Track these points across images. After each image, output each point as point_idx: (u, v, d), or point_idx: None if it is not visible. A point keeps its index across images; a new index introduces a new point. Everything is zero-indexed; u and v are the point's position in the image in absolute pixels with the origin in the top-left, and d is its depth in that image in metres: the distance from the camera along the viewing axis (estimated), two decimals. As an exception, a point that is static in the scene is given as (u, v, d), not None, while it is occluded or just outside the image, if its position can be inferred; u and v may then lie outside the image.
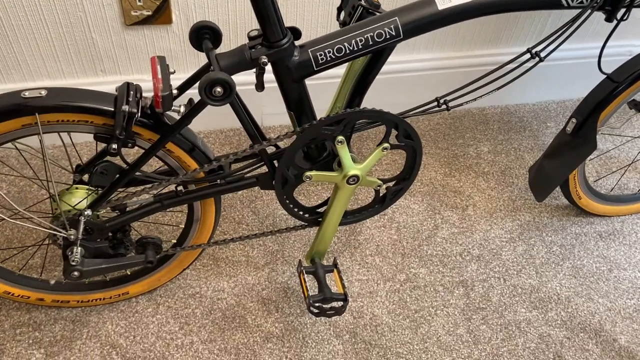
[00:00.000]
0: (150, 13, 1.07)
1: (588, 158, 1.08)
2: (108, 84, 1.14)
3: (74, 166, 0.83)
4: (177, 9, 1.08)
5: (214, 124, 1.30)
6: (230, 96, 0.70)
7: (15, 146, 0.76)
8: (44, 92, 0.71)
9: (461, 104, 0.86)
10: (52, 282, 0.94)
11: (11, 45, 1.07)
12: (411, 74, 1.33)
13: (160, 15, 1.07)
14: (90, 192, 0.82)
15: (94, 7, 1.05)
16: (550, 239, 1.15)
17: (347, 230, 1.13)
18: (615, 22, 0.84)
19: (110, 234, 0.85)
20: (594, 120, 0.97)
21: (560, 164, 1.03)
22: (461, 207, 1.20)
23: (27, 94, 0.70)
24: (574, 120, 1.00)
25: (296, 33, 0.76)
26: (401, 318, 1.00)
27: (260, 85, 0.75)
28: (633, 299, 1.06)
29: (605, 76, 0.96)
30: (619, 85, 0.95)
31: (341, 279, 0.93)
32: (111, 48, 1.12)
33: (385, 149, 0.85)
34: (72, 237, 0.80)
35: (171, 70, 0.75)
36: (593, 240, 1.16)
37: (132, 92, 0.73)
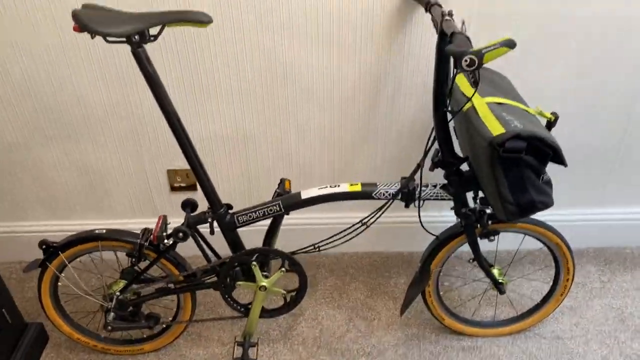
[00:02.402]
0: (185, 185, 1.85)
1: (441, 291, 1.61)
2: (159, 223, 1.91)
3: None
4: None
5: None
6: (186, 238, 1.39)
7: (90, 257, 1.50)
8: (104, 231, 1.45)
9: (326, 249, 1.47)
10: (102, 336, 1.64)
11: (109, 197, 1.89)
12: (306, 227, 1.95)
13: (189, 189, 1.84)
14: (124, 283, 1.52)
15: (155, 180, 1.84)
16: (425, 347, 1.64)
17: (286, 326, 1.72)
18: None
19: (130, 308, 1.53)
20: (428, 264, 1.52)
21: (412, 291, 1.56)
22: (370, 319, 1.74)
23: (97, 231, 1.45)
24: (419, 264, 1.55)
25: (229, 206, 1.45)
26: (302, 385, 1.55)
27: (211, 232, 1.44)
28: (468, 393, 1.51)
29: (435, 236, 1.52)
30: (441, 242, 1.50)
31: (257, 350, 1.52)
32: (163, 202, 1.90)
33: (283, 271, 1.47)
34: (109, 306, 1.49)
35: (168, 222, 1.47)
36: (455, 351, 1.62)
37: (145, 233, 1.45)
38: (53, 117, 1.70)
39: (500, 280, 1.54)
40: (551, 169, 1.22)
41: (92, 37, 1.13)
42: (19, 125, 1.71)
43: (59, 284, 1.55)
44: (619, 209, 1.95)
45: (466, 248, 1.49)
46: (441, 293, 1.61)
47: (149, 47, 1.55)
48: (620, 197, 1.93)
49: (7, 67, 1.59)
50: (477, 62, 0.94)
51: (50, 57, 1.58)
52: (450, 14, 1.18)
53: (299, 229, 1.92)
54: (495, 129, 1.16)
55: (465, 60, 0.94)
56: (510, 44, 0.94)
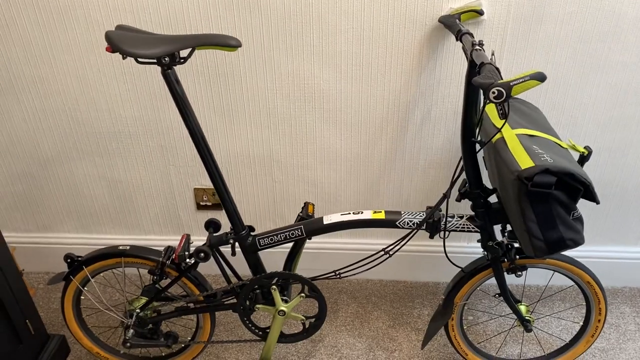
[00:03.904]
0: (211, 204, 1.86)
1: (465, 325, 1.55)
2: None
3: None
4: (225, 202, 1.85)
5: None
6: (207, 258, 1.39)
7: (112, 272, 1.52)
8: (128, 247, 1.46)
9: (347, 276, 1.45)
10: (122, 352, 1.65)
11: (137, 213, 1.92)
12: (329, 251, 1.93)
13: (215, 208, 1.85)
14: (145, 300, 1.53)
15: (182, 198, 1.86)
16: (446, 382, 1.59)
17: (305, 352, 1.69)
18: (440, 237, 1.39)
19: (150, 325, 1.53)
20: (452, 297, 1.47)
21: (434, 324, 1.51)
22: (391, 350, 1.69)
23: (120, 247, 1.46)
24: (442, 297, 1.50)
25: (251, 228, 1.45)
26: (318, 415, 1.51)
27: (233, 253, 1.44)
28: None
29: (460, 269, 1.48)
30: (466, 275, 1.46)
31: (274, 376, 1.50)
32: (189, 220, 1.91)
33: (302, 296, 1.45)
34: (129, 323, 1.50)
35: (191, 241, 1.47)
36: (478, 388, 1.56)
37: (168, 252, 1.46)
38: (86, 132, 1.74)
39: (527, 318, 1.48)
40: (589, 202, 1.17)
41: (124, 58, 1.16)
42: (53, 139, 1.76)
43: (82, 297, 1.57)
44: (657, 248, 1.87)
45: (493, 281, 1.45)
46: (465, 327, 1.56)
47: (180, 68, 1.60)
48: (659, 235, 1.85)
49: (44, 82, 1.65)
50: (505, 94, 0.92)
51: (85, 73, 1.62)
52: (480, 43, 1.16)
53: (321, 254, 1.90)
54: (524, 162, 1.13)
55: (493, 92, 0.92)
56: (539, 77, 0.91)
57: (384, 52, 1.54)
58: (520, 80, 0.92)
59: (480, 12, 1.45)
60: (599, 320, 1.48)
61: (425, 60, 1.54)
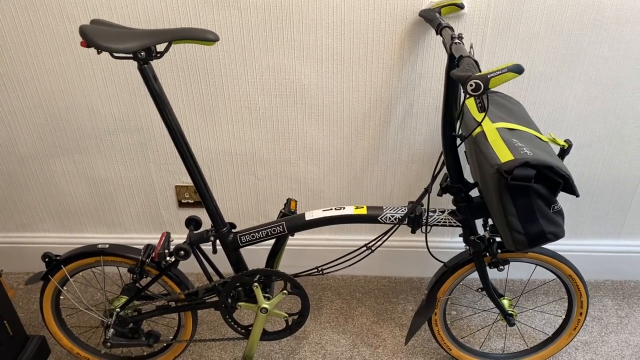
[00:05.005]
0: (192, 201, 1.84)
1: (449, 320, 1.55)
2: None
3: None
4: (207, 199, 1.83)
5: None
6: (188, 256, 1.37)
7: (92, 271, 1.49)
8: (107, 246, 1.44)
9: (330, 272, 1.44)
10: (102, 351, 1.62)
11: (118, 211, 1.89)
12: (312, 248, 1.92)
13: (197, 206, 1.83)
14: (125, 299, 1.51)
15: (163, 195, 1.84)
16: (430, 377, 1.59)
17: (289, 350, 1.68)
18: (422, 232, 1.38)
19: (130, 324, 1.51)
20: (434, 293, 1.47)
21: (418, 319, 1.51)
22: (375, 345, 1.69)
23: (99, 246, 1.44)
24: (425, 292, 1.50)
25: (232, 225, 1.43)
26: (301, 412, 1.50)
27: (214, 251, 1.42)
28: None
29: (442, 263, 1.48)
30: (449, 270, 1.46)
31: (257, 374, 1.48)
32: (170, 218, 1.89)
33: (284, 293, 1.44)
34: (109, 322, 1.48)
35: (172, 239, 1.45)
36: (462, 383, 1.57)
37: (148, 250, 1.44)
38: (64, 129, 1.71)
39: (509, 312, 1.48)
40: (570, 196, 1.17)
41: (99, 53, 1.14)
42: (31, 137, 1.73)
43: (61, 297, 1.55)
44: (639, 242, 1.88)
45: (476, 276, 1.45)
46: (449, 322, 1.56)
47: (159, 64, 1.58)
48: (640, 228, 1.86)
49: (20, 79, 1.62)
50: (482, 86, 0.91)
51: (62, 69, 1.60)
52: (460, 37, 1.15)
53: (304, 250, 1.89)
54: (504, 155, 1.12)
55: (471, 85, 0.91)
56: (517, 69, 0.91)
57: (365, 47, 1.53)
58: (498, 72, 0.91)
59: (460, 6, 1.44)
60: (581, 314, 1.49)
61: (407, 55, 1.54)
